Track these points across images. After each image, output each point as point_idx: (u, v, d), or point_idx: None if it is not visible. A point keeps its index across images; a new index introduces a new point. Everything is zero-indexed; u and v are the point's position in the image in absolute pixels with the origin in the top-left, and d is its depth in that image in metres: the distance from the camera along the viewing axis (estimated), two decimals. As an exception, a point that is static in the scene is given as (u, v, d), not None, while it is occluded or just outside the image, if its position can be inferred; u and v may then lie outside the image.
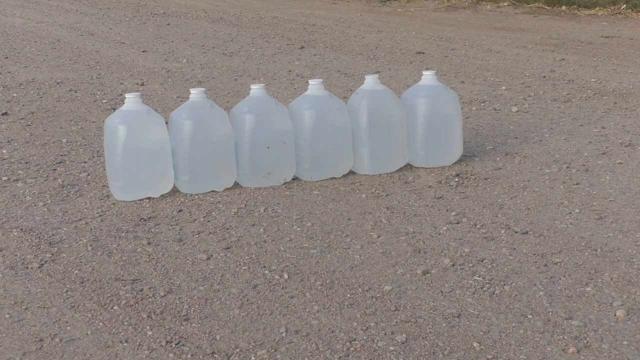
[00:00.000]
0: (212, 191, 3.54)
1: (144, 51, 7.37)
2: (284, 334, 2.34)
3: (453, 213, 3.23)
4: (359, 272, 2.73)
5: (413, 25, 8.63)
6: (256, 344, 2.29)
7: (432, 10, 9.96)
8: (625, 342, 2.24)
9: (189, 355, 2.24)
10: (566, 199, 3.34)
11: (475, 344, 2.25)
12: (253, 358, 2.23)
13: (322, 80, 3.67)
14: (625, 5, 9.00)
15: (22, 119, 4.94)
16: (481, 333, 2.31)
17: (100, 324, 2.43)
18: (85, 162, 4.05)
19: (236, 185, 3.60)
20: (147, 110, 3.46)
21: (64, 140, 4.44)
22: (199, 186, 3.52)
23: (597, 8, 9.16)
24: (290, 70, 6.28)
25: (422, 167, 3.77)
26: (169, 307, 2.52)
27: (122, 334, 2.37)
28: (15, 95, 5.60)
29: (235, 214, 3.30)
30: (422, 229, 3.09)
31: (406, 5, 10.48)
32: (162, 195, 3.49)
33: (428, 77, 3.77)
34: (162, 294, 2.61)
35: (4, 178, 3.81)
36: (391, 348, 2.25)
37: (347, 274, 2.72)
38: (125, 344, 2.31)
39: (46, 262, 2.88)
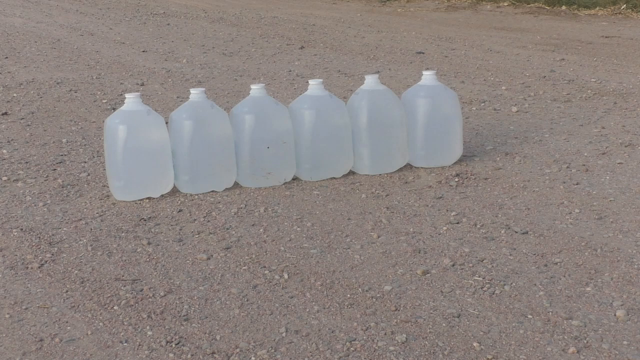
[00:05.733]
0: (212, 191, 3.54)
1: (144, 51, 7.37)
2: (284, 334, 2.34)
3: (453, 213, 3.23)
4: (359, 272, 2.73)
5: (413, 25, 8.63)
6: (256, 344, 2.29)
7: (432, 10, 9.96)
8: (625, 342, 2.24)
9: (189, 355, 2.25)
10: (566, 199, 3.34)
11: (475, 344, 2.25)
12: (253, 358, 2.23)
13: (322, 80, 3.67)
14: (625, 5, 9.00)
15: (22, 119, 4.94)
16: (481, 333, 2.31)
17: (100, 324, 2.43)
18: (85, 162, 4.05)
19: (236, 185, 3.60)
20: (147, 110, 3.46)
21: (64, 140, 4.44)
22: (199, 186, 3.52)
23: (597, 8, 9.16)
24: (290, 70, 6.28)
25: (422, 167, 3.77)
26: (169, 307, 2.52)
27: (122, 334, 2.37)
28: (15, 95, 5.60)
29: (235, 214, 3.30)
30: (422, 229, 3.09)
31: (406, 5, 10.49)
32: (162, 195, 3.49)
33: (428, 77, 3.77)
34: (162, 294, 2.61)
35: (4, 178, 3.81)
36: (391, 348, 2.25)
37: (347, 274, 2.72)
38: (125, 344, 2.31)
39: (46, 262, 2.88)
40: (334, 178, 3.68)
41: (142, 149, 3.41)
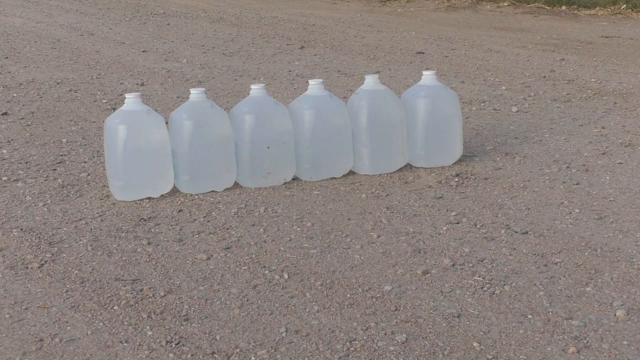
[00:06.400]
0: (212, 191, 3.54)
1: (144, 51, 7.37)
2: (284, 334, 2.34)
3: (453, 213, 3.23)
4: (359, 272, 2.73)
5: (413, 25, 8.63)
6: (256, 344, 2.29)
7: (432, 10, 9.96)
8: (625, 342, 2.24)
9: (189, 355, 2.25)
10: (566, 199, 3.34)
11: (475, 344, 2.25)
12: (253, 358, 2.23)
13: (322, 80, 3.67)
14: (625, 5, 9.00)
15: (22, 119, 4.94)
16: (481, 333, 2.31)
17: (100, 324, 2.43)
18: (85, 162, 4.05)
19: (236, 185, 3.60)
20: (147, 110, 3.46)
21: (64, 140, 4.44)
22: (199, 186, 3.52)
23: (597, 8, 9.16)
24: (290, 70, 6.28)
25: (422, 167, 3.77)
26: (169, 307, 2.52)
27: (122, 334, 2.37)
28: (15, 95, 5.60)
29: (235, 214, 3.30)
30: (422, 229, 3.09)
31: (406, 5, 10.48)
32: (162, 195, 3.49)
33: (428, 77, 3.77)
34: (162, 294, 2.61)
35: (4, 178, 3.81)
36: (391, 348, 2.25)
37: (347, 274, 2.72)
38: (125, 344, 2.31)
39: (46, 262, 2.88)
40: (334, 178, 3.68)
41: (142, 149, 3.41)
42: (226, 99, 5.28)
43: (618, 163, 3.77)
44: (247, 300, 2.55)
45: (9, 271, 2.82)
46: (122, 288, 2.65)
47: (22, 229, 3.19)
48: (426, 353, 2.23)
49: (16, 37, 8.37)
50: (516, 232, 3.01)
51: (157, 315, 2.47)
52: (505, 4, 10.03)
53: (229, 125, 3.53)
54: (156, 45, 7.71)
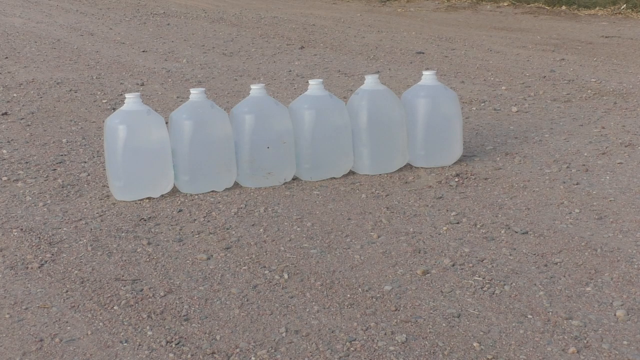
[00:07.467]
0: (212, 191, 3.54)
1: (144, 51, 7.37)
2: (284, 334, 2.34)
3: (453, 213, 3.23)
4: (359, 272, 2.73)
5: (413, 25, 8.63)
6: (256, 344, 2.29)
7: (432, 10, 9.96)
8: (625, 342, 2.24)
9: (189, 355, 2.25)
10: (566, 199, 3.34)
11: (475, 344, 2.25)
12: (253, 358, 2.23)
13: (322, 80, 3.67)
14: (625, 5, 9.00)
15: (22, 119, 4.94)
16: (481, 333, 2.31)
17: (100, 324, 2.43)
18: (85, 162, 4.05)
19: (236, 185, 3.60)
20: (147, 110, 3.46)
21: (64, 140, 4.44)
22: (199, 186, 3.52)
23: (597, 8, 9.16)
24: (290, 70, 6.28)
25: (422, 167, 3.77)
26: (169, 307, 2.52)
27: (122, 334, 2.37)
28: (15, 95, 5.60)
29: (235, 214, 3.30)
30: (422, 229, 3.09)
31: (406, 5, 10.48)
32: (162, 195, 3.49)
33: (428, 77, 3.77)
34: (162, 294, 2.61)
35: (4, 178, 3.81)
36: (391, 348, 2.25)
37: (347, 274, 2.72)
38: (125, 344, 2.31)
39: (46, 262, 2.88)
40: (334, 178, 3.68)
41: (142, 149, 3.41)
42: (226, 99, 5.28)
43: (618, 163, 3.77)
44: (247, 300, 2.55)
45: (9, 271, 2.82)
46: (122, 288, 2.65)
47: (22, 229, 3.19)
48: (426, 353, 2.23)
49: (16, 37, 8.37)
50: (516, 232, 3.01)
51: (157, 315, 2.47)
52: (505, 4, 10.03)
53: (229, 125, 3.53)
54: (156, 45, 7.71)
